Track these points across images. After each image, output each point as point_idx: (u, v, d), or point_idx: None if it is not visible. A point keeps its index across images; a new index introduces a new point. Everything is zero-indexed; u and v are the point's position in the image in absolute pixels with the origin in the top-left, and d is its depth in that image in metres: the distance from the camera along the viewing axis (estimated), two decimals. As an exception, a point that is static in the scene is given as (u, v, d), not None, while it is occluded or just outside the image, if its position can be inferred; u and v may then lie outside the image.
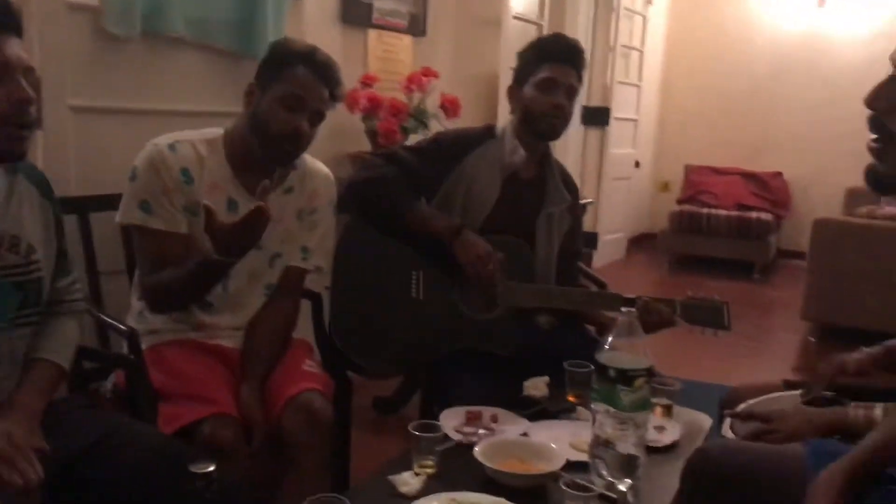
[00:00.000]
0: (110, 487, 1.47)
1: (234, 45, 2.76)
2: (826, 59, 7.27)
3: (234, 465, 1.70)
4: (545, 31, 5.29)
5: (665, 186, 8.18)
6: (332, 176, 2.19)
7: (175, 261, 1.89)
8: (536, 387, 2.08)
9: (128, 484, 1.47)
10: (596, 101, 6.57)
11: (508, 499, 1.50)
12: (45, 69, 2.13)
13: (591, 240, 6.42)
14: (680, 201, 7.35)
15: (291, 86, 1.93)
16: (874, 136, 1.12)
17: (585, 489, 1.47)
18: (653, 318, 2.13)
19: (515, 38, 4.63)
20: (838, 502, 1.26)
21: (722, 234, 6.81)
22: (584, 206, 4.00)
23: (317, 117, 1.99)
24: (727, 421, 1.84)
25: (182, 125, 2.09)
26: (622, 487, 1.54)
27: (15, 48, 1.39)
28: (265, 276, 2.08)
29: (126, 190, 1.94)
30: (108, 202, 2.06)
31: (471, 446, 1.70)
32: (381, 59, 3.69)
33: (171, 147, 1.93)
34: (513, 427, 1.88)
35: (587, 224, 6.10)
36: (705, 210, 6.94)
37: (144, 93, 2.54)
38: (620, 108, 6.66)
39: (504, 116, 2.40)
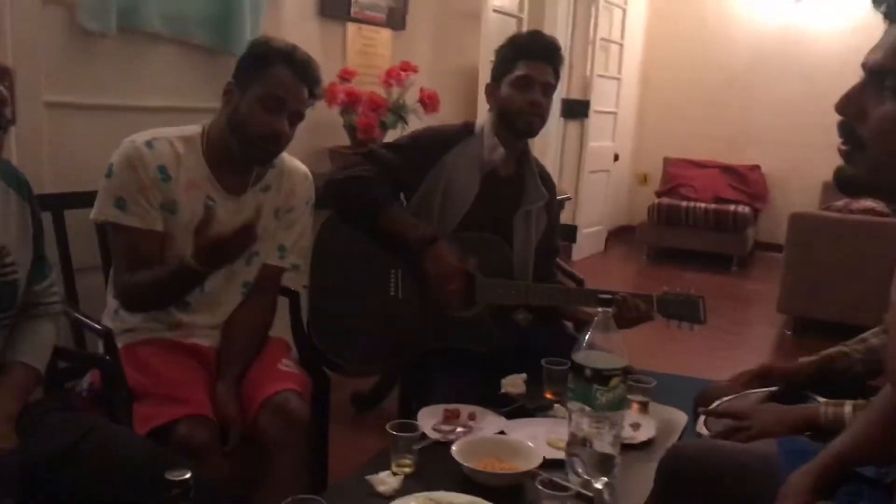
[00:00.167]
0: (86, 491, 1.46)
1: (210, 40, 2.74)
2: (803, 53, 7.33)
3: (210, 466, 1.70)
4: (525, 25, 5.29)
5: (644, 179, 8.22)
6: (311, 175, 2.19)
7: (150, 259, 1.89)
8: (514, 384, 2.09)
9: (103, 487, 1.46)
10: (575, 95, 6.59)
11: (486, 498, 1.51)
12: (19, 65, 2.11)
13: (571, 233, 6.45)
14: (659, 194, 7.40)
15: (271, 87, 1.92)
16: (842, 142, 1.13)
17: (561, 488, 1.48)
18: (630, 314, 2.15)
19: (495, 32, 4.63)
20: (808, 503, 1.28)
21: (700, 226, 6.87)
22: (562, 202, 4.02)
23: (296, 117, 1.98)
24: (701, 418, 1.87)
25: (159, 121, 2.08)
26: (598, 485, 1.55)
27: None
28: (242, 274, 2.07)
29: (102, 186, 1.93)
30: (84, 199, 2.04)
31: (449, 444, 1.71)
32: (360, 53, 3.68)
33: (149, 144, 1.92)
34: (490, 425, 1.89)
35: (566, 217, 6.14)
36: (684, 203, 6.99)
37: (120, 89, 2.51)
38: (600, 102, 6.68)
39: (484, 111, 2.40)
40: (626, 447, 1.75)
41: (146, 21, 2.49)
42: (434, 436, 1.80)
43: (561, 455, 1.66)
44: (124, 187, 1.89)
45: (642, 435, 1.89)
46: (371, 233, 2.22)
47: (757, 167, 7.47)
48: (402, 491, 1.56)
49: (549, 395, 2.05)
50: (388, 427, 1.67)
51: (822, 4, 7.21)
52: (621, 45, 7.06)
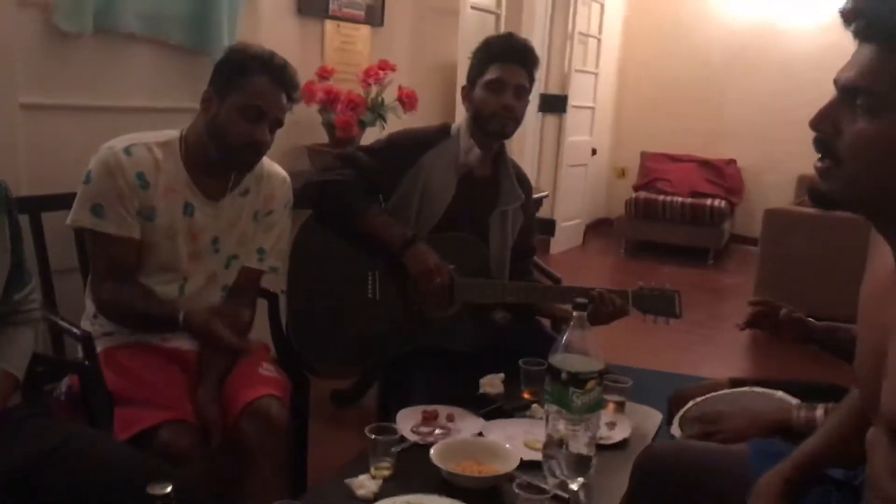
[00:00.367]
0: (66, 497, 1.46)
1: (187, 40, 2.72)
2: (779, 49, 7.38)
3: (192, 470, 1.70)
4: (503, 20, 5.30)
5: (622, 173, 8.27)
6: (289, 178, 2.19)
7: (127, 266, 1.90)
8: (492, 384, 2.11)
9: (84, 494, 1.46)
10: (553, 89, 6.61)
11: (464, 500, 1.52)
12: (-6, 67, 2.10)
13: (549, 226, 6.48)
14: (636, 188, 7.45)
15: (250, 96, 1.91)
16: (819, 157, 1.13)
17: (538, 491, 1.51)
18: (607, 309, 2.17)
19: (473, 29, 4.64)
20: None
21: (677, 220, 6.92)
22: (539, 201, 4.04)
23: (276, 124, 1.98)
24: (675, 420, 1.90)
25: (136, 122, 2.07)
26: (574, 486, 1.57)
27: None
28: (222, 277, 2.08)
29: (80, 192, 1.92)
30: (62, 201, 2.03)
31: (427, 447, 1.73)
32: (338, 51, 3.68)
33: (127, 151, 1.91)
34: (469, 426, 1.91)
35: (545, 211, 6.16)
36: (661, 197, 7.04)
37: (97, 90, 2.50)
38: (578, 96, 6.70)
39: (462, 108, 2.42)
40: (603, 447, 1.78)
41: (122, 21, 2.47)
42: (413, 438, 1.81)
43: (538, 456, 1.68)
44: (102, 194, 1.89)
45: (618, 435, 1.92)
46: (350, 236, 2.23)
47: (733, 161, 7.53)
48: (382, 494, 1.57)
49: (526, 395, 2.07)
50: (366, 430, 1.68)
51: (797, 1, 7.26)
52: (599, 39, 7.07)
